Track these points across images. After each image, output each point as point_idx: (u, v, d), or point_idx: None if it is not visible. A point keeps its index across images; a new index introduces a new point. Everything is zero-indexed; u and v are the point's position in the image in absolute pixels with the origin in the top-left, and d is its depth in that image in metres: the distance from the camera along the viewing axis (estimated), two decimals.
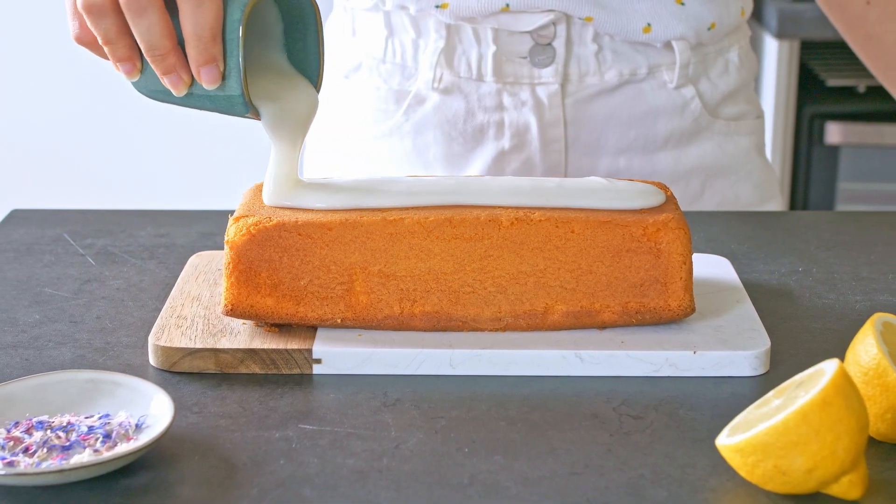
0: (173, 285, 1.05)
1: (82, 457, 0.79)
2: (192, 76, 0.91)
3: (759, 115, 1.38)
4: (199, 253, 1.09)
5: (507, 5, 1.21)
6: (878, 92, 2.20)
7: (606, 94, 1.27)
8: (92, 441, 0.80)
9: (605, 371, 0.92)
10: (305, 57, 0.96)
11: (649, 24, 1.24)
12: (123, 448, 0.79)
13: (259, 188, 0.99)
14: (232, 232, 0.93)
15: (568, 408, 0.87)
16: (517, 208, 0.94)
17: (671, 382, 0.91)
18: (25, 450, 0.80)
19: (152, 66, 0.91)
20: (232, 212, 0.99)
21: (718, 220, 1.24)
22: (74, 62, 2.32)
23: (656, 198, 0.97)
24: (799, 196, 2.36)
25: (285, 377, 0.91)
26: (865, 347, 0.82)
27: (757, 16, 2.37)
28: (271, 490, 0.77)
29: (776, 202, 1.38)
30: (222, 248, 1.07)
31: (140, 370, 0.92)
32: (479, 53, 1.25)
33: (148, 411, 0.83)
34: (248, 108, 0.90)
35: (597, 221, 0.94)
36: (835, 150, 2.28)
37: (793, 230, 1.22)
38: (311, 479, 0.78)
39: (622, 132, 1.29)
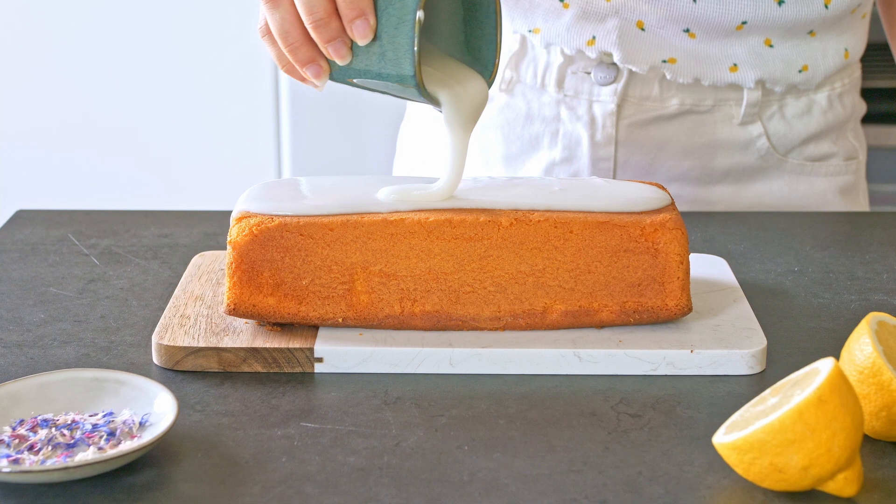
0: (176, 285, 1.05)
1: (87, 454, 0.79)
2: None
3: (851, 157, 1.33)
4: (202, 253, 1.10)
5: (604, 50, 1.21)
6: (876, 93, 2.20)
7: (664, 120, 1.25)
8: (96, 439, 0.81)
9: (603, 370, 0.92)
10: (480, 45, 0.96)
11: (736, 65, 1.22)
12: (127, 446, 0.80)
13: (263, 186, 0.99)
14: (234, 232, 0.94)
15: (566, 406, 0.88)
16: (516, 209, 0.95)
17: (668, 381, 0.91)
18: (30, 447, 0.80)
19: (314, 36, 0.91)
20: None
21: (715, 220, 1.24)
22: (79, 63, 2.32)
23: (655, 199, 0.97)
24: None
25: (287, 376, 0.92)
26: (860, 346, 0.82)
27: None
28: (273, 487, 0.77)
29: None
30: (225, 248, 1.07)
31: (144, 369, 0.92)
32: (546, 62, 1.24)
33: (151, 409, 0.83)
34: (419, 89, 0.90)
35: (595, 222, 0.94)
36: None
37: (789, 230, 1.22)
38: (313, 476, 0.79)
39: (676, 160, 1.27)
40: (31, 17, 2.32)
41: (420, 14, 0.88)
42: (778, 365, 0.93)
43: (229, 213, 1.16)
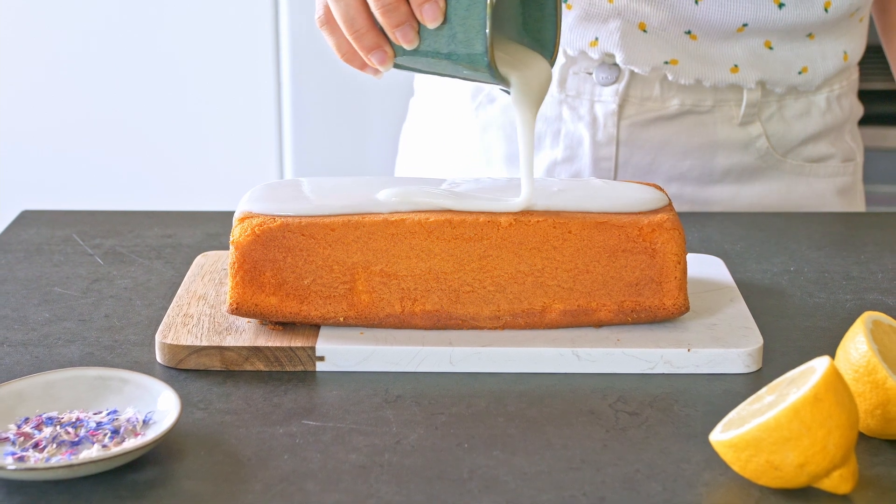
0: (180, 284, 1.05)
1: (91, 452, 0.79)
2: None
3: (849, 159, 1.34)
4: (205, 253, 1.10)
5: (608, 53, 1.22)
6: (872, 95, 2.20)
7: (665, 120, 1.26)
8: (100, 436, 0.81)
9: (601, 368, 0.92)
10: (539, 27, 0.95)
11: (737, 66, 1.22)
12: (131, 443, 0.80)
13: (265, 187, 1.00)
14: (237, 232, 0.94)
15: (565, 404, 0.88)
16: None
17: (666, 379, 0.91)
18: (35, 445, 0.80)
19: (382, 21, 0.91)
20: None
21: (713, 221, 1.24)
22: (83, 65, 2.32)
23: (653, 199, 0.98)
24: None
25: (289, 374, 0.92)
26: (856, 345, 0.82)
27: None
28: (275, 484, 0.78)
29: None
30: (228, 248, 1.08)
31: (147, 367, 0.93)
32: None
33: (155, 407, 0.83)
34: (491, 70, 0.90)
35: (593, 222, 0.94)
36: None
37: (785, 231, 1.22)
38: (315, 473, 0.79)
39: (676, 160, 1.27)
40: (34, 19, 2.32)
41: None
42: (774, 364, 0.94)
43: (232, 213, 1.16)
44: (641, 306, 0.95)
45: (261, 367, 0.92)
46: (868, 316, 0.84)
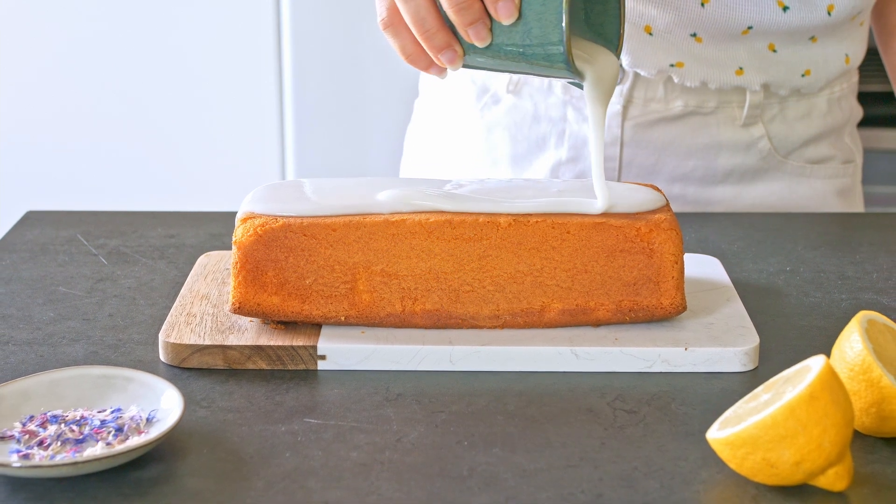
0: (183, 284, 1.06)
1: (95, 450, 0.80)
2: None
3: (849, 161, 1.34)
4: (208, 253, 1.10)
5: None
6: (871, 97, 2.20)
7: (668, 121, 1.26)
8: (104, 434, 0.81)
9: (599, 367, 0.93)
10: (603, 21, 0.95)
11: (742, 68, 1.22)
12: (135, 441, 0.80)
13: (267, 188, 1.00)
14: (239, 233, 0.94)
15: (564, 402, 0.88)
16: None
17: (663, 378, 0.92)
18: (40, 443, 0.81)
19: (455, 19, 0.90)
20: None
21: (709, 221, 1.25)
22: (86, 66, 2.33)
23: (650, 200, 0.98)
24: None
25: (291, 373, 0.92)
26: (851, 344, 0.82)
27: None
28: (277, 482, 0.78)
29: None
30: (230, 249, 1.08)
31: (151, 366, 0.93)
32: None
33: (158, 406, 0.84)
34: (569, 65, 0.89)
35: (591, 223, 0.94)
36: None
37: (781, 231, 1.22)
38: (316, 471, 0.79)
39: (680, 161, 1.27)
40: (38, 20, 2.32)
41: None
42: (770, 362, 0.94)
43: (234, 213, 1.16)
44: (639, 306, 0.95)
45: (263, 365, 0.93)
46: (863, 315, 0.84)
